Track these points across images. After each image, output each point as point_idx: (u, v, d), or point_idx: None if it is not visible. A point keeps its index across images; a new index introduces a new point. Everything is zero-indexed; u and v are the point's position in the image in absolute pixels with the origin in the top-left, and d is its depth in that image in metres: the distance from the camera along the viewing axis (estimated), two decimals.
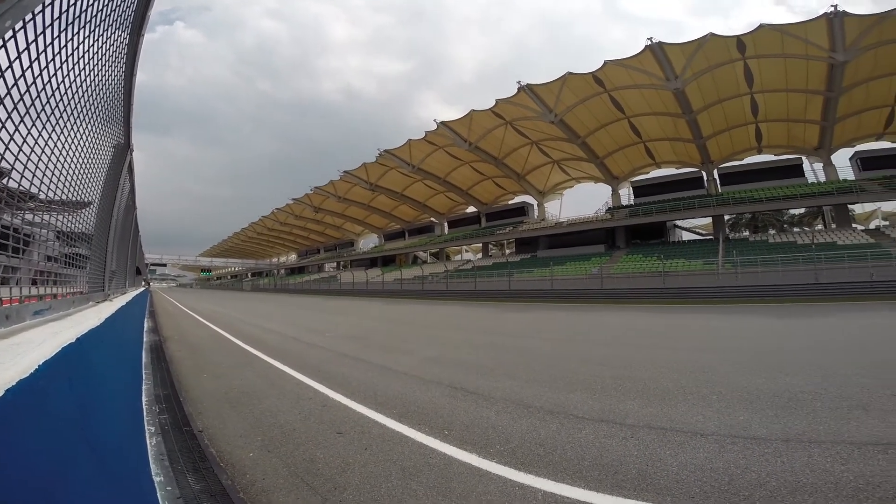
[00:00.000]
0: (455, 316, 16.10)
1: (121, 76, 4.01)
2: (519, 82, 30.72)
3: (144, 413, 3.34)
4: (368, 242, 72.07)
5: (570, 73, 29.16)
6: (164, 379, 5.37)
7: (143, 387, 4.10)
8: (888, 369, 5.05)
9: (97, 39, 2.48)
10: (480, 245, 53.03)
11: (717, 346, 7.72)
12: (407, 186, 49.67)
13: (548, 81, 30.29)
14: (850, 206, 30.96)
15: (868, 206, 40.65)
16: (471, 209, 52.45)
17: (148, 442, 2.75)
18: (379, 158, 43.70)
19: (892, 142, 31.68)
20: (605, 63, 27.66)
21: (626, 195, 40.30)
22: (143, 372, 5.08)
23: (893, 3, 21.28)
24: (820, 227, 34.96)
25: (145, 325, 10.89)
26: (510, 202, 49.16)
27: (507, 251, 51.34)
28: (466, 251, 63.35)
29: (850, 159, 32.25)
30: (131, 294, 10.10)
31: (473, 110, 34.87)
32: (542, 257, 39.31)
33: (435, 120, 36.87)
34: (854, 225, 31.82)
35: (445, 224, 55.78)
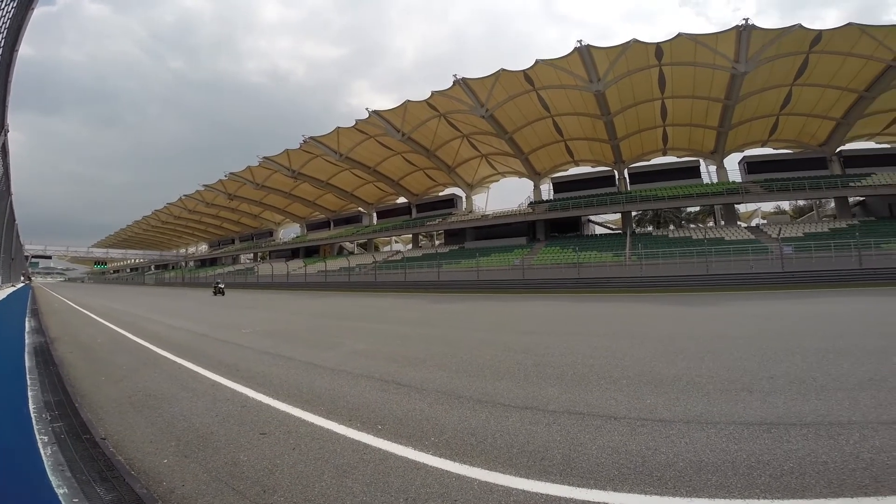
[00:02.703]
0: (384, 308, 15.96)
1: None
2: (455, 76, 30.99)
3: (34, 421, 2.93)
4: (289, 232, 68.71)
5: (504, 70, 29.90)
6: (54, 384, 4.74)
7: (30, 393, 3.59)
8: (766, 354, 5.85)
9: None
10: (411, 236, 52.87)
11: (624, 332, 8.42)
12: (333, 175, 48.02)
13: (482, 77, 30.88)
14: (736, 206, 35.29)
15: (751, 206, 46.61)
16: (401, 200, 52.05)
17: (42, 452, 2.42)
18: (303, 145, 41.74)
19: (774, 148, 36.61)
20: (537, 62, 28.68)
21: (547, 190, 42.47)
22: (28, 377, 4.44)
23: (798, 19, 24.39)
24: (711, 223, 39.52)
25: (27, 326, 9.50)
26: (440, 194, 49.57)
27: (437, 242, 51.80)
28: (396, 242, 62.86)
29: (739, 163, 36.74)
30: (6, 291, 8.78)
31: (409, 101, 34.58)
32: (470, 248, 40.24)
33: (367, 108, 35.98)
34: (739, 223, 36.35)
35: (374, 214, 54.85)
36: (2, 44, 3.47)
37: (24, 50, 4.15)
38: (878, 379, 4.42)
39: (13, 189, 9.73)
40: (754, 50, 25.87)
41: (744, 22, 24.73)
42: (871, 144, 34.11)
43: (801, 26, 24.72)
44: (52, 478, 2.00)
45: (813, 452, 2.79)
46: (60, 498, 1.83)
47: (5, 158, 6.63)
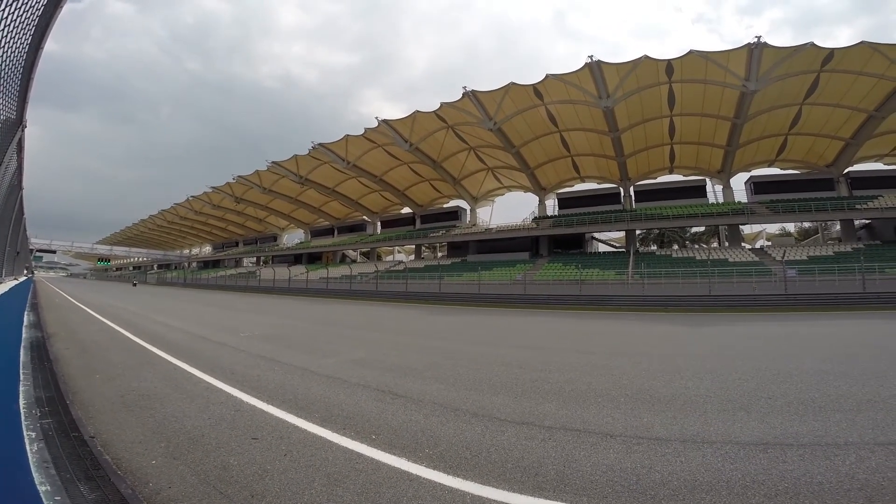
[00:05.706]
0: (384, 317, 15.91)
1: (24, 48, 3.47)
2: (465, 88, 31.17)
3: (23, 417, 2.90)
4: (293, 238, 68.83)
5: (513, 84, 30.05)
6: (47, 380, 4.72)
7: (21, 388, 3.57)
8: (765, 375, 5.79)
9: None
10: (414, 247, 52.90)
11: (623, 350, 8.34)
12: (340, 182, 48.26)
13: (491, 89, 31.03)
14: (741, 227, 35.08)
15: (756, 227, 46.32)
16: (405, 210, 52.12)
17: (28, 448, 2.40)
18: (312, 152, 42.02)
19: (782, 168, 36.38)
20: (547, 76, 28.76)
21: (552, 206, 42.41)
22: (21, 372, 4.42)
23: (811, 37, 24.23)
24: (715, 244, 39.23)
25: (25, 320, 9.50)
26: (445, 206, 49.61)
27: (440, 254, 51.75)
28: (399, 252, 62.86)
29: (745, 183, 36.48)
30: (8, 284, 8.78)
31: (418, 111, 34.79)
32: (472, 261, 40.15)
33: (376, 118, 36.24)
34: (743, 244, 36.05)
35: (378, 223, 54.96)
36: (28, 42, 3.51)
37: (50, 45, 4.20)
38: (878, 401, 4.39)
39: (25, 184, 9.81)
40: (765, 68, 25.79)
41: (756, 40, 24.63)
42: (879, 166, 33.95)
43: (813, 44, 24.54)
44: (35, 475, 1.97)
45: (808, 473, 2.78)
46: (42, 496, 1.79)
47: (20, 154, 6.71)
